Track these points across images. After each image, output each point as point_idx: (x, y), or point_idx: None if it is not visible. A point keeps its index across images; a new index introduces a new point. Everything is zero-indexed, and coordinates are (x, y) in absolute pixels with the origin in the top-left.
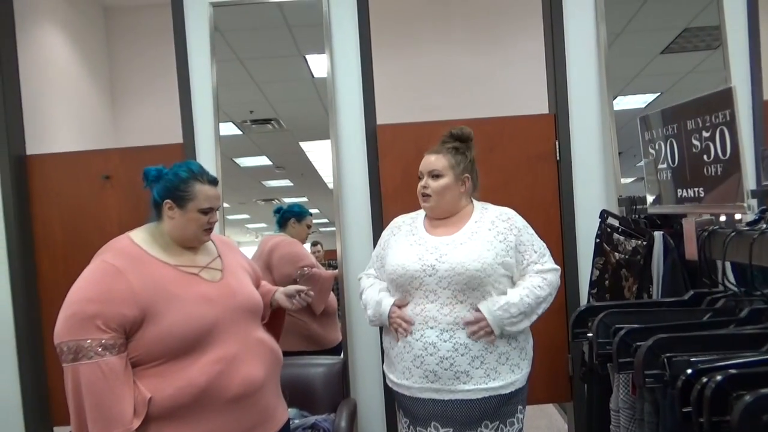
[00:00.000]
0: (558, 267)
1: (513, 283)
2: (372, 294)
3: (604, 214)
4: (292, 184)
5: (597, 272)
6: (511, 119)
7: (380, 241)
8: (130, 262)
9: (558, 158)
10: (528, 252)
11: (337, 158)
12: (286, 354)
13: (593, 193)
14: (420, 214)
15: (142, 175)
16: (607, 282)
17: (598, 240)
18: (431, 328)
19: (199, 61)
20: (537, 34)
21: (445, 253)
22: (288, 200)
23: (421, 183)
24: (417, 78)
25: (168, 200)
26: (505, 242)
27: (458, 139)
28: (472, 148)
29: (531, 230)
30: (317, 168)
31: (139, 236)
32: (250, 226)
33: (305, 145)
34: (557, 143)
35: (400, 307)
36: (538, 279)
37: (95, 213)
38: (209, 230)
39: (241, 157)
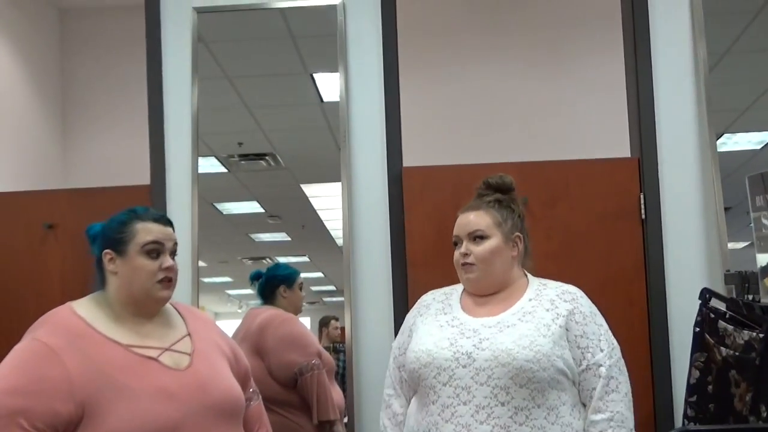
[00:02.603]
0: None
1: (573, 387)
2: None
3: (706, 295)
4: (289, 238)
5: (697, 373)
6: (580, 164)
7: (404, 327)
8: (67, 341)
9: (643, 216)
10: (592, 349)
11: (349, 209)
12: None
13: (691, 265)
14: (456, 290)
15: (86, 235)
16: (710, 387)
17: (698, 329)
18: None
19: (177, 78)
20: (615, 53)
21: (486, 338)
22: (283, 259)
23: (460, 250)
24: (456, 107)
25: (107, 250)
26: (566, 329)
27: (498, 189)
28: (518, 201)
29: (601, 320)
30: (323, 219)
31: (83, 306)
32: (231, 292)
33: (309, 189)
34: (642, 196)
35: None
36: None
37: (33, 271)
38: (166, 282)
39: (225, 202)
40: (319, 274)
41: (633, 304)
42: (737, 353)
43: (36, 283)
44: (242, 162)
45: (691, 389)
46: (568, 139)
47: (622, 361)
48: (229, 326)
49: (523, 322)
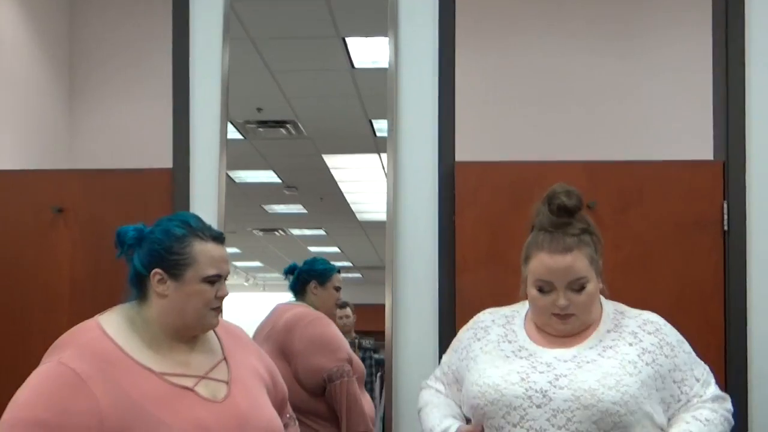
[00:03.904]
0: (727, 396)
1: (657, 430)
2: (433, 417)
3: None
4: (305, 210)
5: None
6: (656, 166)
7: (456, 345)
8: (98, 367)
9: (725, 227)
10: (688, 381)
11: (394, 204)
12: None
13: None
14: (518, 312)
15: (116, 239)
16: None
17: None
18: None
19: (206, 40)
20: (702, 30)
21: (563, 374)
22: (297, 232)
23: (557, 301)
24: (513, 91)
25: (157, 270)
26: (655, 365)
27: (571, 212)
28: (590, 221)
29: (687, 346)
30: (344, 191)
31: (112, 324)
32: (239, 264)
33: (331, 160)
34: (725, 205)
35: None
36: (705, 411)
37: (39, 260)
38: (218, 309)
39: (239, 170)
40: (336, 249)
41: (709, 326)
42: None
43: (43, 273)
44: (260, 129)
45: None
46: (641, 132)
47: (716, 382)
48: (235, 300)
49: (604, 357)
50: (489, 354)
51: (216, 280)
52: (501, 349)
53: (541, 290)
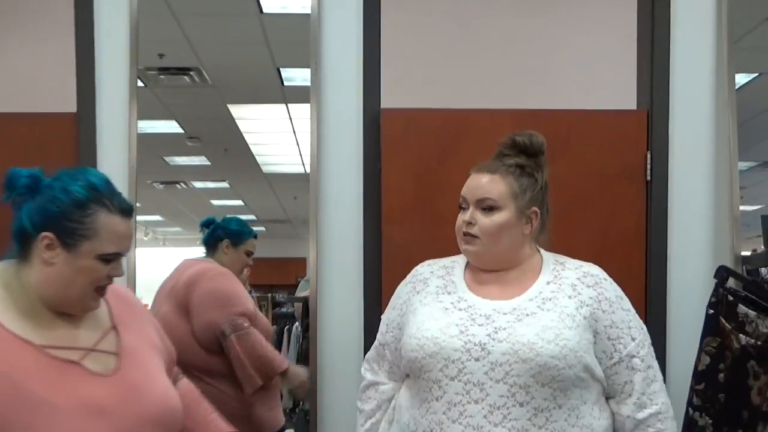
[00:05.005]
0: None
1: (595, 383)
2: None
3: (723, 274)
4: (209, 162)
5: (707, 359)
6: (583, 115)
7: (394, 302)
8: None
9: (649, 177)
10: (624, 339)
11: (317, 148)
12: None
13: (703, 236)
14: (458, 263)
15: (5, 180)
16: (722, 376)
17: (712, 311)
18: None
19: None
20: None
21: (502, 327)
22: (199, 185)
23: (464, 216)
24: (441, 38)
25: (47, 233)
26: (591, 320)
27: (524, 151)
28: (545, 166)
29: (627, 303)
30: (249, 143)
31: None
32: (139, 218)
33: (236, 110)
34: (649, 155)
35: None
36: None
37: None
38: (103, 291)
39: (140, 120)
40: (239, 202)
41: (631, 272)
42: (759, 342)
43: None
44: (162, 76)
45: (699, 376)
46: (566, 81)
47: (651, 344)
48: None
49: (543, 310)
50: (428, 306)
51: (113, 258)
52: (440, 301)
53: (461, 207)
